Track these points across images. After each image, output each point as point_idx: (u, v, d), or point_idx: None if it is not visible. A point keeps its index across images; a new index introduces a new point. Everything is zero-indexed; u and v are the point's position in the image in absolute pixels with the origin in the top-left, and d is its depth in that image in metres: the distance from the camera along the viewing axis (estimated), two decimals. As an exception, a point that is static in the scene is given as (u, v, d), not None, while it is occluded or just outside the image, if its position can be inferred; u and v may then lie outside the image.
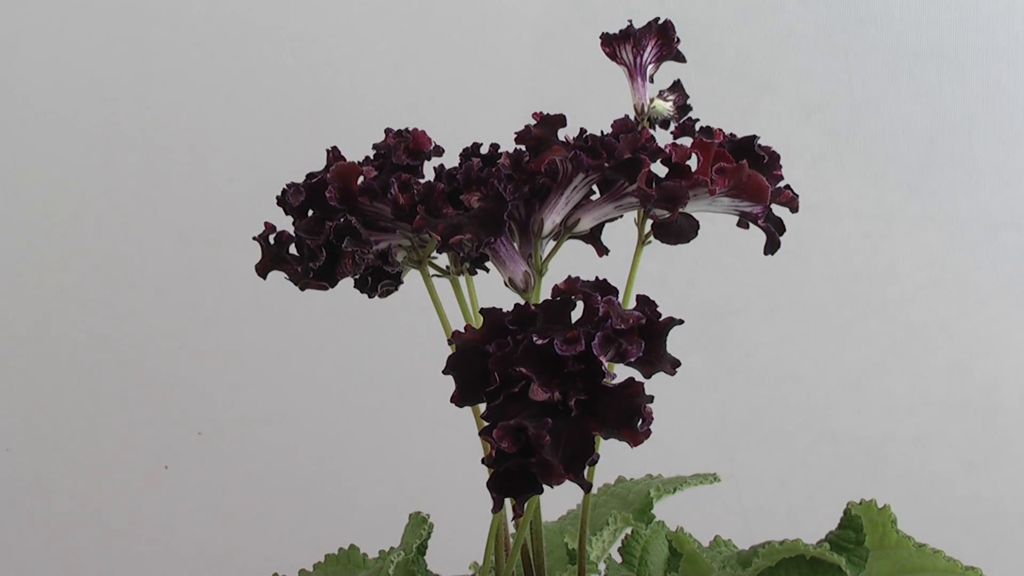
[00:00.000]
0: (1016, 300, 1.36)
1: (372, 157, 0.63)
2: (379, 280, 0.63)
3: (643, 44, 0.67)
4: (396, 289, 0.64)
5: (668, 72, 0.69)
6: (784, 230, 0.63)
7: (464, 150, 0.63)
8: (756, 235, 0.63)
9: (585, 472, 0.45)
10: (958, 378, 1.36)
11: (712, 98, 1.29)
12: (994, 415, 1.36)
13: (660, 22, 0.67)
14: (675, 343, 0.48)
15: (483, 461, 0.47)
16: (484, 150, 0.63)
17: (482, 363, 0.47)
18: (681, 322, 0.49)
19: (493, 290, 0.63)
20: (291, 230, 0.61)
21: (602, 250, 0.65)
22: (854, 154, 1.33)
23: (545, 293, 0.58)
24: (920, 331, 1.36)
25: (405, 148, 0.62)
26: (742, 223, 0.63)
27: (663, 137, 0.63)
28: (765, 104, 1.32)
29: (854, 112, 1.33)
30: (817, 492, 1.37)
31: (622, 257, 0.65)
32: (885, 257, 1.35)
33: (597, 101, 1.25)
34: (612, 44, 0.67)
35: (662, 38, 0.67)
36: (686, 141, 0.60)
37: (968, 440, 1.37)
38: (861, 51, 1.31)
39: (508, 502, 0.48)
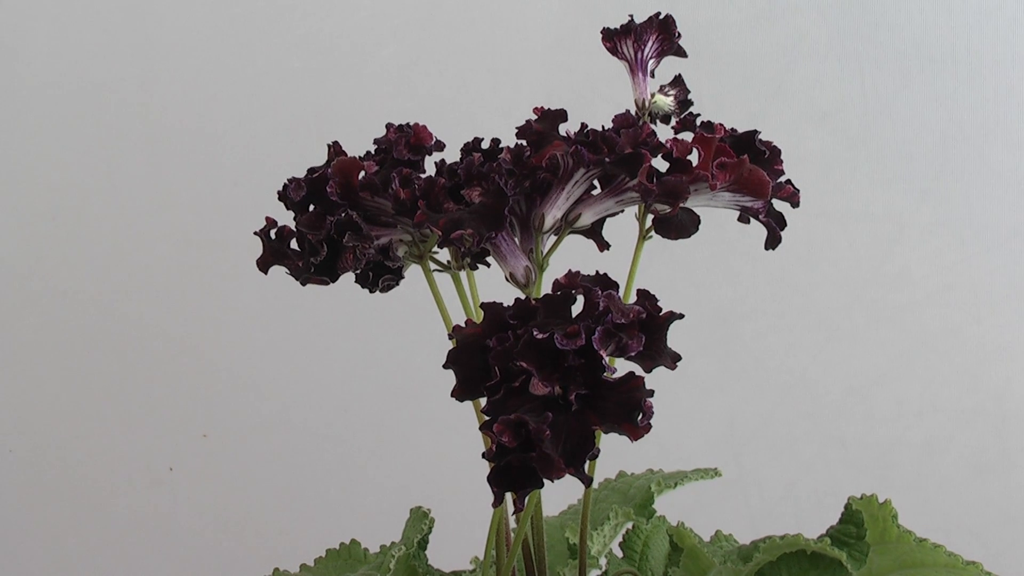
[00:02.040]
0: None
1: (373, 152, 0.63)
2: (380, 275, 0.63)
3: (644, 39, 0.67)
4: (397, 284, 0.64)
5: (669, 67, 0.69)
6: (785, 225, 0.63)
7: (465, 145, 0.63)
8: (764, 239, 0.63)
9: (586, 466, 0.45)
10: (969, 384, 1.36)
11: (724, 102, 1.29)
12: (1004, 421, 1.36)
13: (661, 17, 0.67)
14: (684, 347, 0.48)
15: (484, 455, 0.47)
16: (485, 145, 0.63)
17: (483, 357, 0.47)
18: (681, 316, 0.49)
19: (494, 285, 0.63)
20: (292, 225, 0.61)
21: (603, 245, 0.65)
22: (866, 159, 1.33)
23: (546, 288, 0.58)
24: (931, 337, 1.36)
25: (406, 143, 0.62)
26: (743, 218, 0.63)
27: (664, 132, 0.63)
28: (777, 109, 1.32)
29: (867, 117, 1.32)
30: (826, 498, 1.37)
31: (623, 252, 0.65)
32: (897, 263, 1.35)
33: (598, 96, 1.25)
34: (613, 39, 0.67)
35: (663, 33, 0.67)
36: (687, 136, 0.60)
37: (978, 446, 1.37)
38: (874, 56, 1.31)
39: (509, 497, 0.48)
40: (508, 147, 0.60)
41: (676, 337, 0.49)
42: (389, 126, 0.63)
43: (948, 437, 1.37)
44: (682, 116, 0.66)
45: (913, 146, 1.33)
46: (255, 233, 0.62)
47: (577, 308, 0.49)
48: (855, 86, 1.32)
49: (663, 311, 0.49)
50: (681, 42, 0.68)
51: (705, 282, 1.34)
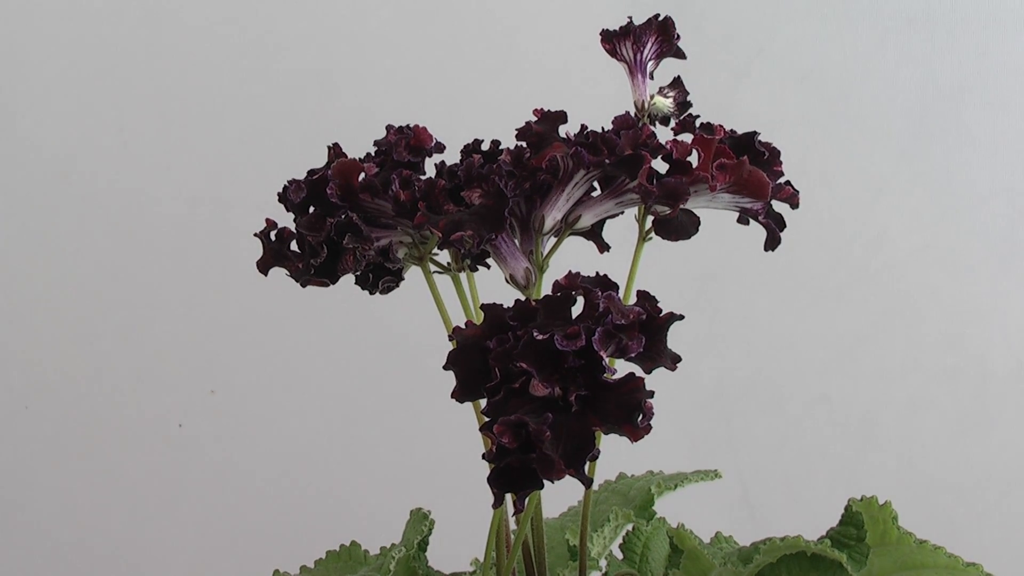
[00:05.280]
0: (1005, 267, 1.37)
1: (373, 154, 0.63)
2: (380, 277, 0.63)
3: (643, 41, 0.67)
4: (397, 286, 0.64)
5: (669, 69, 0.69)
6: (784, 226, 0.63)
7: (465, 147, 0.63)
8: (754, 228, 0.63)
9: (586, 467, 0.45)
10: (949, 344, 1.38)
11: (705, 64, 1.30)
12: (984, 381, 1.38)
13: (660, 19, 0.67)
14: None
15: (484, 457, 0.48)
16: (485, 147, 0.63)
17: (483, 359, 0.48)
18: (681, 317, 0.49)
19: (494, 287, 0.63)
20: (292, 227, 0.61)
21: (603, 246, 0.65)
22: (845, 120, 1.35)
23: (546, 290, 0.58)
24: (911, 298, 1.38)
25: (406, 145, 0.62)
26: (743, 219, 0.64)
27: (664, 134, 0.63)
28: (757, 70, 1.33)
29: (845, 78, 1.34)
30: (812, 457, 1.39)
31: (623, 254, 0.65)
32: (876, 223, 1.36)
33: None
34: (612, 41, 0.67)
35: (662, 35, 0.67)
36: (687, 137, 0.60)
37: (959, 406, 1.38)
38: (852, 17, 1.33)
39: (509, 498, 0.48)
40: (508, 149, 0.60)
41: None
42: (389, 127, 0.63)
43: (930, 396, 1.38)
44: (681, 118, 0.66)
45: (891, 106, 1.34)
46: (255, 235, 0.62)
47: (577, 309, 0.49)
48: (834, 47, 1.33)
49: (663, 312, 0.49)
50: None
51: (691, 243, 1.35)
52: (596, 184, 0.60)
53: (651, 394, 0.45)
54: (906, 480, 1.34)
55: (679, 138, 0.60)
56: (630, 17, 0.67)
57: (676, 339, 0.48)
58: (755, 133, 0.61)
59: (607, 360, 0.47)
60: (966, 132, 1.34)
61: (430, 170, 0.62)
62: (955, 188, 1.35)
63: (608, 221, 0.63)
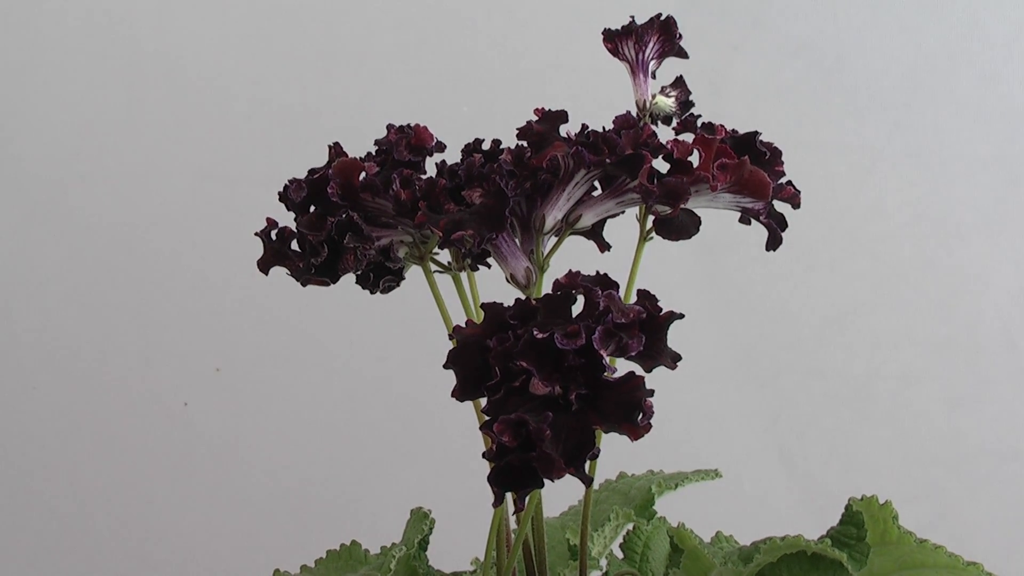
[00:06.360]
0: (996, 237, 1.37)
1: (374, 153, 0.63)
2: (381, 276, 0.63)
3: (645, 40, 0.67)
4: (397, 285, 0.64)
5: (670, 68, 0.69)
6: (786, 226, 0.63)
7: (466, 146, 0.63)
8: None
9: (586, 466, 0.46)
10: (942, 315, 1.38)
11: (701, 35, 1.30)
12: (977, 353, 1.38)
13: (662, 18, 0.67)
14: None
15: (484, 455, 0.48)
16: (486, 146, 0.63)
17: (483, 357, 0.48)
18: (682, 316, 0.49)
19: (494, 286, 0.63)
20: (293, 226, 0.61)
21: (603, 246, 0.65)
22: (840, 90, 1.35)
23: (547, 289, 0.58)
24: (904, 267, 1.38)
25: (407, 144, 0.62)
26: (744, 219, 0.64)
27: (665, 133, 0.63)
28: (753, 41, 1.34)
29: (839, 49, 1.35)
30: (807, 430, 1.38)
31: (624, 253, 0.65)
32: (870, 194, 1.37)
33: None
34: (614, 40, 0.67)
35: (664, 34, 0.67)
36: (688, 137, 0.60)
37: (952, 377, 1.38)
38: None
39: (509, 497, 0.48)
40: (509, 148, 0.60)
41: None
42: (390, 127, 0.63)
43: (923, 368, 1.38)
44: (683, 117, 0.66)
45: (884, 77, 1.35)
46: (256, 234, 0.62)
47: (577, 308, 0.49)
48: (828, 17, 1.34)
49: (663, 311, 0.49)
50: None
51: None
52: (597, 184, 0.60)
53: (651, 393, 0.46)
54: (899, 453, 1.34)
55: (680, 138, 0.60)
56: (632, 16, 0.67)
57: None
58: (756, 133, 0.61)
59: (607, 359, 0.47)
60: (957, 102, 1.35)
61: (431, 169, 0.62)
62: (946, 159, 1.36)
63: (609, 220, 0.63)
